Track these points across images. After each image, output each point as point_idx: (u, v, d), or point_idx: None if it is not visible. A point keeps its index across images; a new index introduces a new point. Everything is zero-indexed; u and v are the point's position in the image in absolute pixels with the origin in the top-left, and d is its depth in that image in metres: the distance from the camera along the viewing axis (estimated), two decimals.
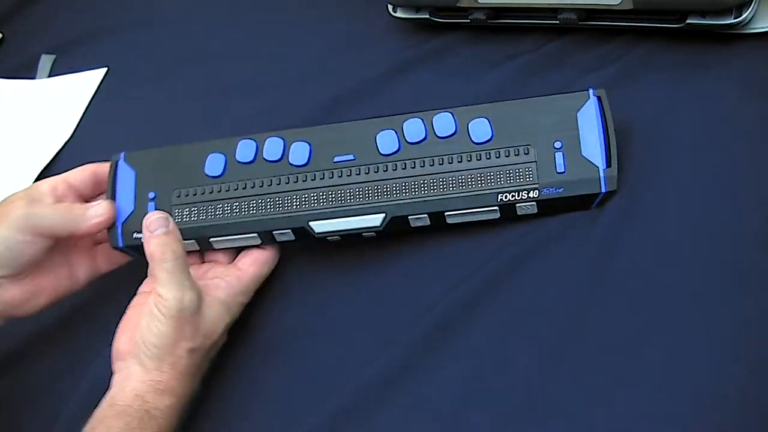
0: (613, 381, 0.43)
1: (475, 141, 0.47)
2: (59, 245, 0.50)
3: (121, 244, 0.50)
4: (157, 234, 0.46)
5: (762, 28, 0.51)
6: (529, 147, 0.47)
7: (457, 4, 0.57)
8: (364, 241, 0.50)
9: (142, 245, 0.48)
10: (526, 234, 0.49)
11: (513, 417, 0.43)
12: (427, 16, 0.60)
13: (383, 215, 0.47)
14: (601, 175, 0.46)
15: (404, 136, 0.48)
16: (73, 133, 0.67)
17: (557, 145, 0.46)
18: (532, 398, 0.44)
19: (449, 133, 0.48)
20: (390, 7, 0.61)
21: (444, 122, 0.48)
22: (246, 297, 0.50)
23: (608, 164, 0.46)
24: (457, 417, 0.45)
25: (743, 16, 0.49)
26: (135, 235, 0.50)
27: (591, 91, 0.47)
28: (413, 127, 0.48)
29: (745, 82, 0.51)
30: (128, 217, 0.50)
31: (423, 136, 0.48)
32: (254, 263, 0.51)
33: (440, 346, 0.47)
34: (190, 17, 0.73)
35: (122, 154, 0.52)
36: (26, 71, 0.74)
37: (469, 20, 0.58)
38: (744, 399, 0.41)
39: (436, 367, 0.46)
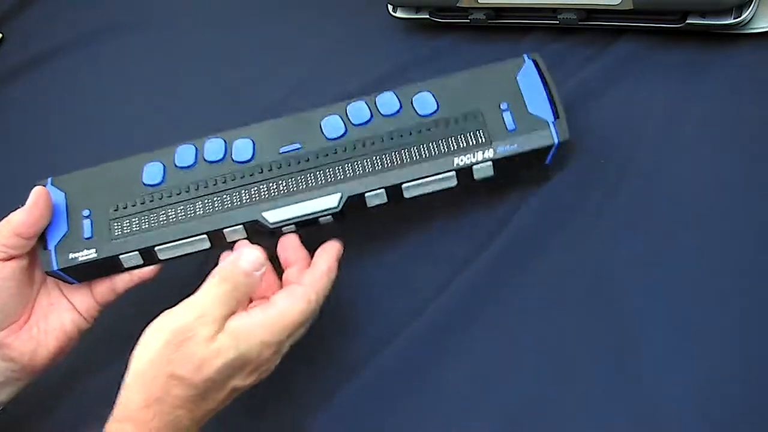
0: (613, 381, 0.43)
1: (421, 114, 0.48)
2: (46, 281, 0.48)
3: (55, 268, 0.46)
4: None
5: (762, 28, 0.51)
6: (476, 111, 0.47)
7: (457, 4, 0.57)
8: (358, 238, 0.49)
9: (80, 265, 0.46)
10: (526, 231, 0.49)
11: (514, 417, 0.43)
12: (427, 16, 0.60)
13: (340, 195, 0.46)
14: (552, 127, 0.46)
15: (349, 119, 0.48)
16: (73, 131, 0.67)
17: (503, 106, 0.47)
18: (533, 399, 0.44)
19: (394, 111, 0.48)
20: (390, 7, 0.61)
21: (387, 101, 0.48)
22: None
23: (556, 116, 0.46)
24: (457, 417, 0.45)
25: (743, 16, 0.49)
26: (71, 255, 0.46)
27: (525, 56, 0.48)
28: (357, 110, 0.48)
29: (745, 82, 0.51)
30: (62, 238, 0.47)
31: (368, 117, 0.48)
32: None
33: (440, 347, 0.47)
34: (189, 18, 0.73)
35: (49, 179, 0.49)
36: (26, 71, 0.74)
37: (469, 20, 0.58)
38: (744, 399, 0.41)
39: (435, 369, 0.46)
